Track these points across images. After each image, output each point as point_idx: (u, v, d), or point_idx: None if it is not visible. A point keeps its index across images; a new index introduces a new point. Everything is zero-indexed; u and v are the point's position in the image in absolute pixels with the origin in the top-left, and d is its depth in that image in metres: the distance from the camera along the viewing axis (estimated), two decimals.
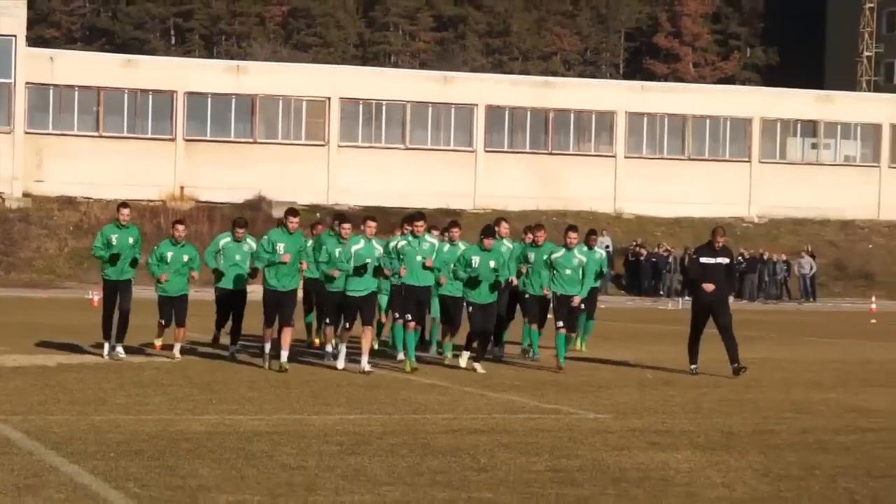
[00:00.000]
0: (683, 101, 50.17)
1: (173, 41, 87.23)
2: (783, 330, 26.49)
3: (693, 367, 14.72)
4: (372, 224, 13.96)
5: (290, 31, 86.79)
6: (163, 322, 14.68)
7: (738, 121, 49.46)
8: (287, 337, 13.81)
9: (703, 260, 14.93)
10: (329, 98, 46.03)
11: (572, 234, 14.67)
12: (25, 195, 43.39)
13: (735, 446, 8.71)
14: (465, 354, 14.37)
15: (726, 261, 14.95)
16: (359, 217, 18.50)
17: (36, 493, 6.26)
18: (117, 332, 14.25)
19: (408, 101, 47.02)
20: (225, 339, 15.37)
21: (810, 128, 50.97)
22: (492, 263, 14.07)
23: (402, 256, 13.88)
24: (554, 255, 14.61)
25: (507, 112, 47.68)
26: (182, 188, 44.56)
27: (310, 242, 14.67)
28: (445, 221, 17.79)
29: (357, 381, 13.07)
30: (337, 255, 13.56)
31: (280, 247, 13.39)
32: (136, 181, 42.41)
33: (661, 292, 41.41)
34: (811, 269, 43.49)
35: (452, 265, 14.38)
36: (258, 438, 8.49)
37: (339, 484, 6.67)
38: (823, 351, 19.47)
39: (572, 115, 48.48)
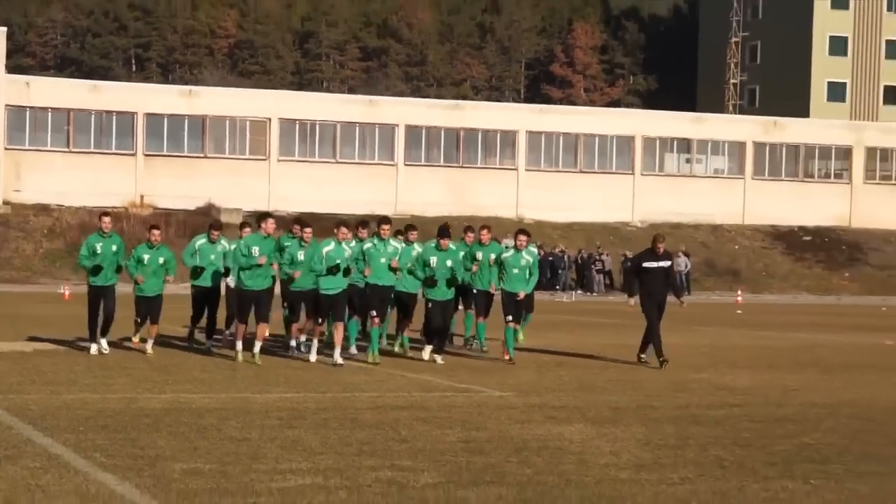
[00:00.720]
0: (576, 122, 49.76)
1: (134, 69, 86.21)
2: (664, 319, 26.11)
3: (661, 359, 13.58)
4: (344, 230, 13.13)
5: (236, 60, 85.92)
6: (138, 320, 14.02)
7: (622, 139, 48.95)
8: (261, 332, 13.06)
9: (645, 264, 14.10)
10: (269, 119, 45.17)
11: (522, 237, 13.98)
12: (5, 203, 42.21)
13: (621, 420, 8.73)
14: (428, 348, 13.72)
15: (667, 264, 14.28)
16: (313, 221, 16.91)
17: (15, 462, 6.26)
18: (102, 329, 13.54)
19: (338, 122, 46.22)
20: (200, 335, 14.64)
21: (685, 145, 50.57)
22: (448, 263, 13.50)
23: (366, 258, 13.17)
24: (504, 255, 14.01)
25: (423, 131, 46.97)
26: (142, 197, 43.34)
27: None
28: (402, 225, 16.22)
29: (294, 364, 12.72)
30: (299, 257, 12.89)
31: (255, 249, 12.76)
32: (101, 191, 41.43)
33: (557, 287, 40.81)
34: (686, 266, 44.28)
35: (410, 265, 13.67)
36: (208, 414, 8.41)
37: (278, 453, 6.67)
38: (697, 337, 19.29)
39: (480, 134, 47.66)
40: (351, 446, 7.04)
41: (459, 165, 46.96)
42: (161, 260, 13.57)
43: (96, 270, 13.23)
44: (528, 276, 13.95)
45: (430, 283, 13.40)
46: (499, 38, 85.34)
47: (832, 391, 11.40)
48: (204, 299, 14.08)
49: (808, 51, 68.28)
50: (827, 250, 49.35)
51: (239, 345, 13.25)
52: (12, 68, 53.40)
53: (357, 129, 46.47)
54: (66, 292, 28.98)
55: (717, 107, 67.08)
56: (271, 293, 13.55)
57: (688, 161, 50.49)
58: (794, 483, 6.24)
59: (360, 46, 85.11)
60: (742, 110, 67.64)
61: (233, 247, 13.59)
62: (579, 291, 41.49)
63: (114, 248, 13.42)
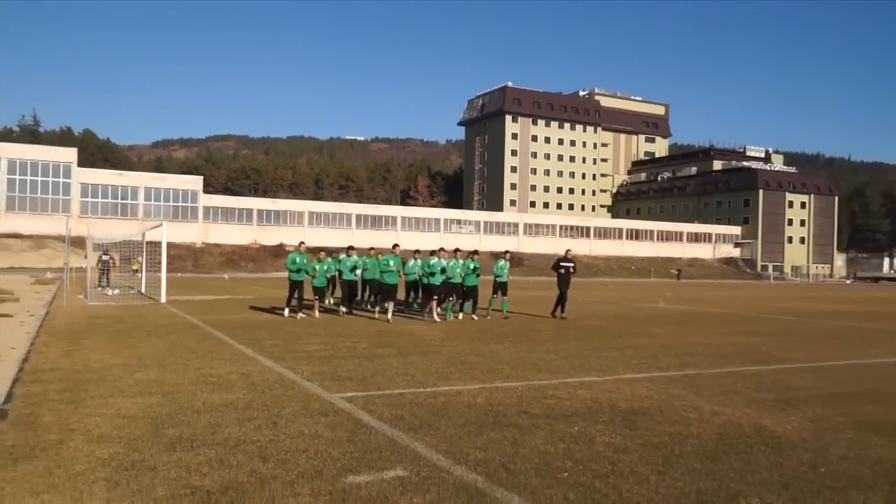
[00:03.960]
0: (420, 212, 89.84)
1: None
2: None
3: (563, 314, 16.62)
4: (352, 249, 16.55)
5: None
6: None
7: (436, 220, 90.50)
8: (317, 304, 15.84)
9: (562, 263, 16.99)
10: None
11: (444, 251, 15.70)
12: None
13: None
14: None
15: (572, 264, 16.97)
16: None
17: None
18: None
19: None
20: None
21: (458, 221, 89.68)
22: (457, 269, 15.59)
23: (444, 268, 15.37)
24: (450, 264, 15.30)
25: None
26: None
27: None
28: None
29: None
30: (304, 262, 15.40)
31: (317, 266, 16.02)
32: None
33: None
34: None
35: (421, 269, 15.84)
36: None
37: None
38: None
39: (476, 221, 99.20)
40: None
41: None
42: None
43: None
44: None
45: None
46: (389, 181, 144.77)
47: None
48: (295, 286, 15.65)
49: (502, 186, 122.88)
50: None
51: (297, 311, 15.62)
52: None
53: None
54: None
55: (470, 207, 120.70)
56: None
57: (459, 226, 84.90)
58: None
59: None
60: (479, 208, 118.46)
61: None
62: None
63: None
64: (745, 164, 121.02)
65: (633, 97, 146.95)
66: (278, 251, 74.32)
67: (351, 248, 17.96)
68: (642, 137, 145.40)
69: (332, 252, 19.66)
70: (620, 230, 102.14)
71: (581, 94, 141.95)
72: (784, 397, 8.41)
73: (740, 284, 70.64)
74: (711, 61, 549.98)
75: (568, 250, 18.24)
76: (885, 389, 9.07)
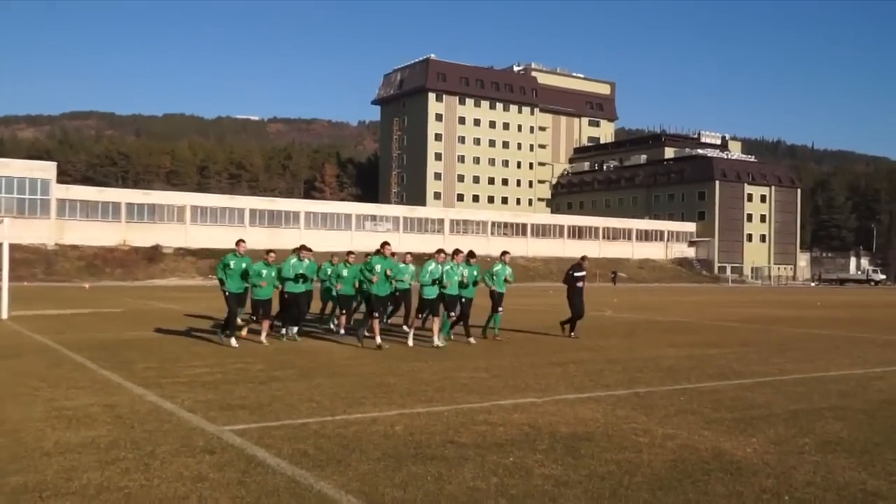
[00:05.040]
0: (328, 207, 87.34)
1: None
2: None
3: (574, 334, 16.41)
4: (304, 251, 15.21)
5: None
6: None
7: (347, 215, 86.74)
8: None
9: (575, 274, 16.78)
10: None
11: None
12: None
13: None
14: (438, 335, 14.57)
15: (584, 274, 16.86)
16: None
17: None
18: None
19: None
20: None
21: (373, 217, 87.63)
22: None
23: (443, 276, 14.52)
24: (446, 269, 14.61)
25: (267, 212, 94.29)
26: None
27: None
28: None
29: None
30: (263, 274, 14.63)
31: (263, 272, 14.60)
32: None
33: None
34: None
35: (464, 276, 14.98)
36: None
37: None
38: None
39: (320, 215, 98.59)
40: None
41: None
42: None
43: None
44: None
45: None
46: (291, 170, 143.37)
47: None
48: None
49: (424, 177, 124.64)
50: None
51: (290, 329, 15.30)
52: None
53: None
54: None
55: (387, 201, 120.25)
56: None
57: (374, 224, 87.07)
58: None
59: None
60: (398, 203, 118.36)
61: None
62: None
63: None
64: (700, 151, 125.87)
65: (574, 74, 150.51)
66: (153, 254, 73.18)
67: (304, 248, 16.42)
68: (585, 121, 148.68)
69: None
70: (561, 227, 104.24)
71: (516, 69, 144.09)
72: (744, 416, 8.68)
73: (696, 289, 73.11)
74: (662, 35, 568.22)
75: (584, 257, 17.50)
76: (853, 405, 9.47)
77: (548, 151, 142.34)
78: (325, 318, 18.36)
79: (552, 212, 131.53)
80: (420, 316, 15.14)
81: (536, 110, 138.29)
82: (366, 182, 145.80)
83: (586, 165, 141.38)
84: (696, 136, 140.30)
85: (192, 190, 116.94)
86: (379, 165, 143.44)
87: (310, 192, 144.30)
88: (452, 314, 15.28)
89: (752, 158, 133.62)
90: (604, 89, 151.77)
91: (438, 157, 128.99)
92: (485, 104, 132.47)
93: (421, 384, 10.54)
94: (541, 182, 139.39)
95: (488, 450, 6.96)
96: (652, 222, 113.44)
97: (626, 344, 16.25)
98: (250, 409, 8.65)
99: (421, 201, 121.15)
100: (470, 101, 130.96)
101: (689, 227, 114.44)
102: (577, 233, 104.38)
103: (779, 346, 16.50)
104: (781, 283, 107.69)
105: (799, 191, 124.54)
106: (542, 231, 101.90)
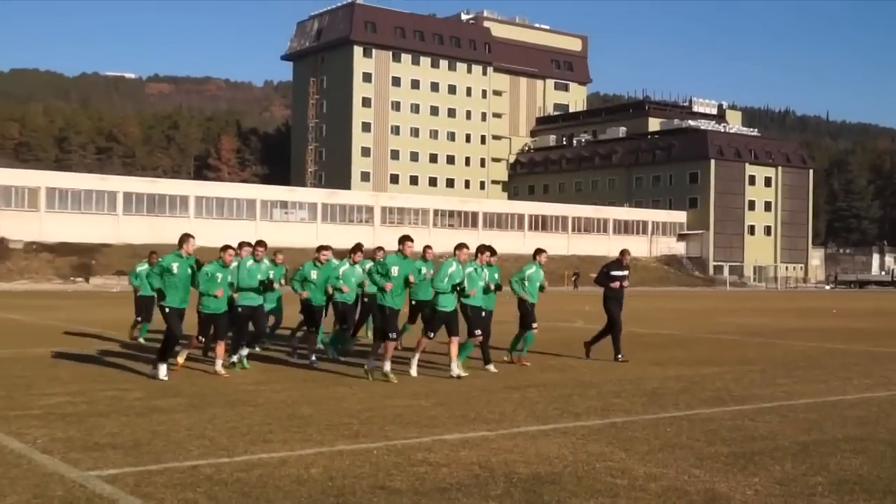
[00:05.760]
0: (225, 190, 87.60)
1: None
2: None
3: (620, 356, 16.27)
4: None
5: None
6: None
7: (250, 201, 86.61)
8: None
9: (613, 273, 16.60)
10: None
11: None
12: None
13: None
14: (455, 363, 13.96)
15: (626, 273, 16.73)
16: None
17: None
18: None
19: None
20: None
21: (285, 204, 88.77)
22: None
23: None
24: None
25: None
26: None
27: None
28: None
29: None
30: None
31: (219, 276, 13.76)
32: None
33: None
34: None
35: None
36: None
37: None
38: None
39: (168, 198, 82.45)
40: None
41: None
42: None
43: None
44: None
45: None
46: (178, 143, 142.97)
47: None
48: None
49: (349, 154, 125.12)
50: None
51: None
52: None
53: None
54: None
55: (302, 183, 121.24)
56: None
57: (286, 213, 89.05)
58: None
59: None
60: (315, 185, 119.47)
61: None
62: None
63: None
64: (692, 123, 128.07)
65: (537, 25, 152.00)
66: None
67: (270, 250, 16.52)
68: (551, 84, 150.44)
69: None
70: (521, 217, 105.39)
71: (464, 18, 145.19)
72: (744, 451, 8.84)
73: (686, 293, 74.20)
74: None
75: (624, 252, 17.29)
76: (875, 435, 9.71)
77: (504, 122, 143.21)
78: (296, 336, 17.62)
79: (509, 197, 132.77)
80: (431, 335, 14.16)
81: (490, 70, 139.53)
82: (274, 159, 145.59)
83: (552, 139, 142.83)
84: (686, 103, 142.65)
85: (49, 168, 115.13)
86: (291, 138, 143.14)
87: (202, 171, 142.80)
88: (478, 333, 14.63)
89: (754, 132, 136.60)
90: (574, 45, 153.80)
91: (366, 127, 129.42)
92: (425, 61, 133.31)
93: (344, 415, 10.56)
94: (495, 160, 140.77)
95: (428, 496, 6.94)
96: (633, 211, 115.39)
97: (600, 362, 16.40)
98: (124, 448, 8.56)
99: (344, 184, 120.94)
100: (406, 58, 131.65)
101: (679, 216, 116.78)
102: (541, 223, 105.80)
103: (786, 364, 16.86)
104: (790, 286, 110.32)
105: (811, 172, 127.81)
106: (496, 221, 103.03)
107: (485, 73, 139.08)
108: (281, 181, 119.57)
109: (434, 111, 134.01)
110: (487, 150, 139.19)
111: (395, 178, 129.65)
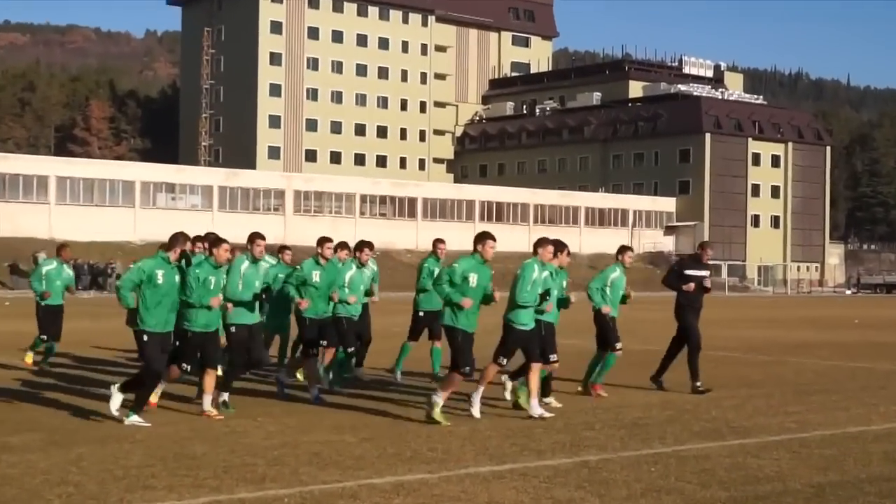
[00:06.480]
0: (94, 170, 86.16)
1: None
2: None
3: (698, 384, 16.02)
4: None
5: None
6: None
7: (126, 182, 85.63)
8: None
9: (688, 272, 16.32)
10: None
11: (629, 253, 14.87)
12: None
13: None
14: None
15: (708, 272, 16.50)
16: None
17: None
18: None
19: None
20: None
21: (171, 187, 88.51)
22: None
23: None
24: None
25: None
26: None
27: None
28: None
29: None
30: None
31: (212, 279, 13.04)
32: None
33: (80, 287, 63.77)
34: None
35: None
36: None
37: None
38: None
39: (21, 178, 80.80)
40: None
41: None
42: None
43: None
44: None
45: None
46: (35, 107, 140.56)
47: None
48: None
49: (254, 124, 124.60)
50: None
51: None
52: None
53: None
54: None
55: (193, 161, 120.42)
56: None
57: (173, 198, 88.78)
58: None
59: None
60: (210, 164, 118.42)
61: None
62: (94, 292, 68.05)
63: None
64: (683, 88, 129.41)
65: None
66: None
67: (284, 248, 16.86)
68: (508, 37, 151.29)
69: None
70: (470, 205, 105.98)
71: None
72: (746, 495, 8.90)
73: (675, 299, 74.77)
74: None
75: (706, 246, 17.01)
76: None
77: (449, 85, 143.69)
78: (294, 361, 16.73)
79: (456, 180, 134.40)
80: (503, 362, 13.57)
81: (431, 19, 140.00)
82: (158, 130, 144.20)
83: (509, 107, 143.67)
84: (675, 64, 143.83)
85: None
86: (180, 104, 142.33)
87: (66, 144, 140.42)
88: (554, 358, 14.21)
89: (759, 100, 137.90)
90: None
91: (276, 90, 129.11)
92: (350, 8, 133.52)
93: (247, 453, 10.49)
94: (438, 133, 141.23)
95: None
96: (609, 197, 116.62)
97: (569, 386, 16.35)
98: None
99: (248, 162, 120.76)
100: (326, 3, 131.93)
101: (666, 204, 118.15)
102: (495, 213, 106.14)
103: (798, 387, 17.08)
104: (802, 291, 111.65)
105: (828, 150, 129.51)
106: (439, 210, 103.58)
107: (425, 24, 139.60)
108: (167, 158, 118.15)
109: (361, 71, 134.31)
110: (428, 120, 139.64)
111: (311, 156, 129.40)
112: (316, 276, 14.92)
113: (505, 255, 61.87)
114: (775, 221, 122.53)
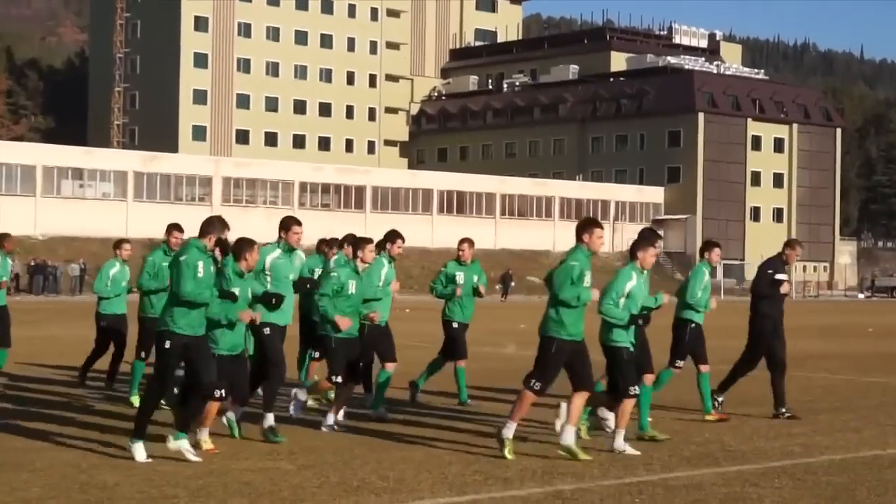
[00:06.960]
0: None
1: None
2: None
3: (783, 409, 15.72)
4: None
5: None
6: None
7: (25, 167, 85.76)
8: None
9: (779, 276, 16.23)
10: None
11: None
12: None
13: None
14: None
15: (787, 277, 16.28)
16: None
17: None
18: None
19: None
20: None
21: (78, 173, 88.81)
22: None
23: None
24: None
25: None
26: None
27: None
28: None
29: None
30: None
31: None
32: None
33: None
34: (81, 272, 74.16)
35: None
36: None
37: None
38: None
39: None
40: None
41: None
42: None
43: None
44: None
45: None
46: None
47: None
48: None
49: (176, 100, 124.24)
50: None
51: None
52: None
53: None
54: None
55: (105, 143, 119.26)
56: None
57: (81, 186, 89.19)
58: None
59: None
60: (125, 146, 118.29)
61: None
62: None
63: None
64: (673, 60, 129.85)
65: None
66: None
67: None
68: (472, 1, 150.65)
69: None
70: (427, 195, 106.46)
71: None
72: None
73: (664, 306, 74.39)
74: None
75: (794, 244, 16.66)
76: None
77: (404, 55, 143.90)
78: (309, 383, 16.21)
79: (410, 166, 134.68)
80: (632, 389, 12.68)
81: None
82: (64, 106, 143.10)
83: (472, 82, 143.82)
84: (664, 32, 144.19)
85: None
86: (89, 75, 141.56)
87: None
88: (636, 389, 12.89)
89: (760, 74, 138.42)
90: None
91: (201, 61, 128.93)
92: None
93: (167, 483, 10.40)
94: (391, 111, 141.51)
95: None
96: (588, 186, 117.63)
97: (541, 405, 16.47)
98: None
99: (169, 145, 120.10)
100: None
101: (653, 194, 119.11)
102: (456, 204, 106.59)
103: (803, 406, 17.15)
104: (809, 294, 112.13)
105: (839, 132, 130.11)
106: (392, 200, 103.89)
107: None
108: (74, 139, 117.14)
109: (301, 38, 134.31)
110: (379, 96, 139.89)
111: (243, 137, 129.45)
112: (353, 287, 14.04)
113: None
114: (778, 215, 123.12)
